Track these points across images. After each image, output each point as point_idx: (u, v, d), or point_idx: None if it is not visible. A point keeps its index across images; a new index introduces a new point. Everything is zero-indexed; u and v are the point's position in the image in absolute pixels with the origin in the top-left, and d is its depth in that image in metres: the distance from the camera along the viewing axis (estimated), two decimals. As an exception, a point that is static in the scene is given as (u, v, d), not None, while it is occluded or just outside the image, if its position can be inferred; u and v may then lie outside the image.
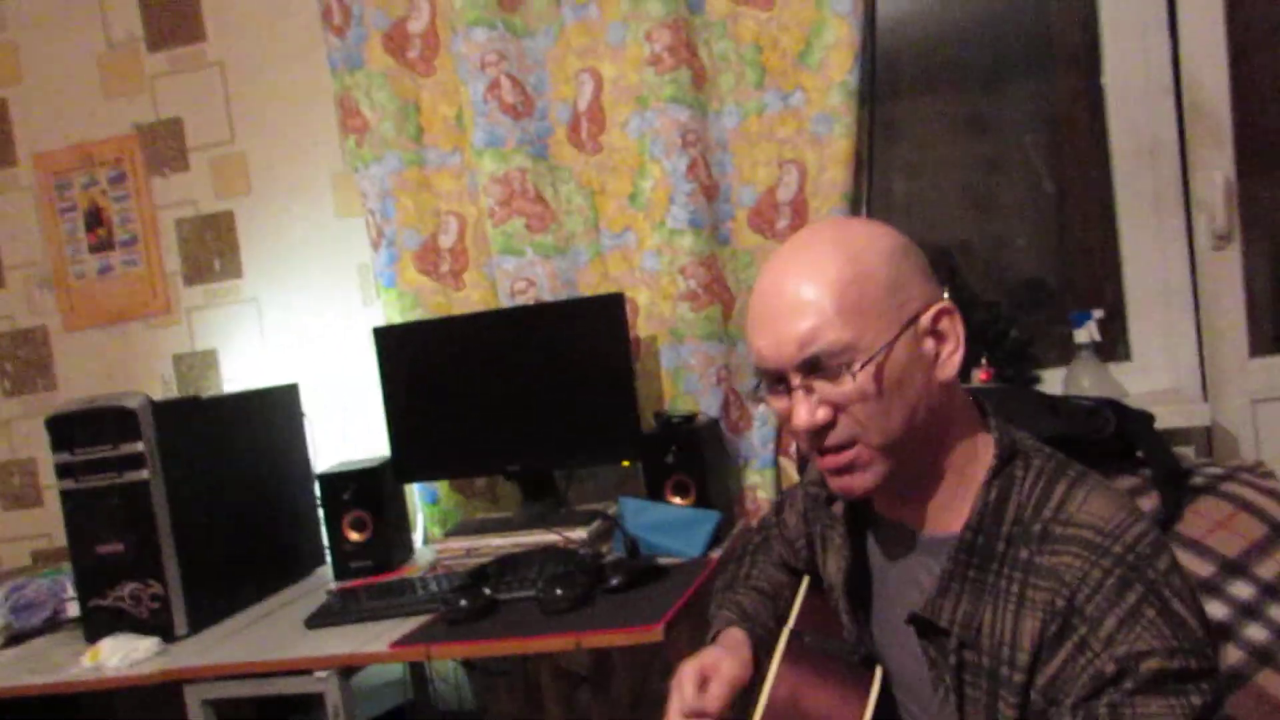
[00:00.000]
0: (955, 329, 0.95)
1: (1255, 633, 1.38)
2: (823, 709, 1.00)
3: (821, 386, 0.92)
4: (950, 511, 0.97)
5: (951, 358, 0.94)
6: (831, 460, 0.96)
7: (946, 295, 0.97)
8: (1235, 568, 1.42)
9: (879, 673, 1.03)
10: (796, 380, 0.93)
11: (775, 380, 0.97)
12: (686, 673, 1.13)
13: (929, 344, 0.94)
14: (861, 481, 0.96)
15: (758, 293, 0.98)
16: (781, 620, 1.27)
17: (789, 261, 0.96)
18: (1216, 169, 1.93)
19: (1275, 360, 1.97)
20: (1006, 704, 0.89)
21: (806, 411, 0.93)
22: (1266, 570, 1.41)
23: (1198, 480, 1.53)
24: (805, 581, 1.25)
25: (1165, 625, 0.81)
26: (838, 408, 0.93)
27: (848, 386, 0.91)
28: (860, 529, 1.10)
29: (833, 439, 0.94)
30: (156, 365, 2.59)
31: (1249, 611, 1.40)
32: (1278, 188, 2.04)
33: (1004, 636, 0.89)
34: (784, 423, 0.98)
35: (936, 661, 0.96)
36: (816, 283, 0.92)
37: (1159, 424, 1.63)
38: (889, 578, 1.06)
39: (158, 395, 1.94)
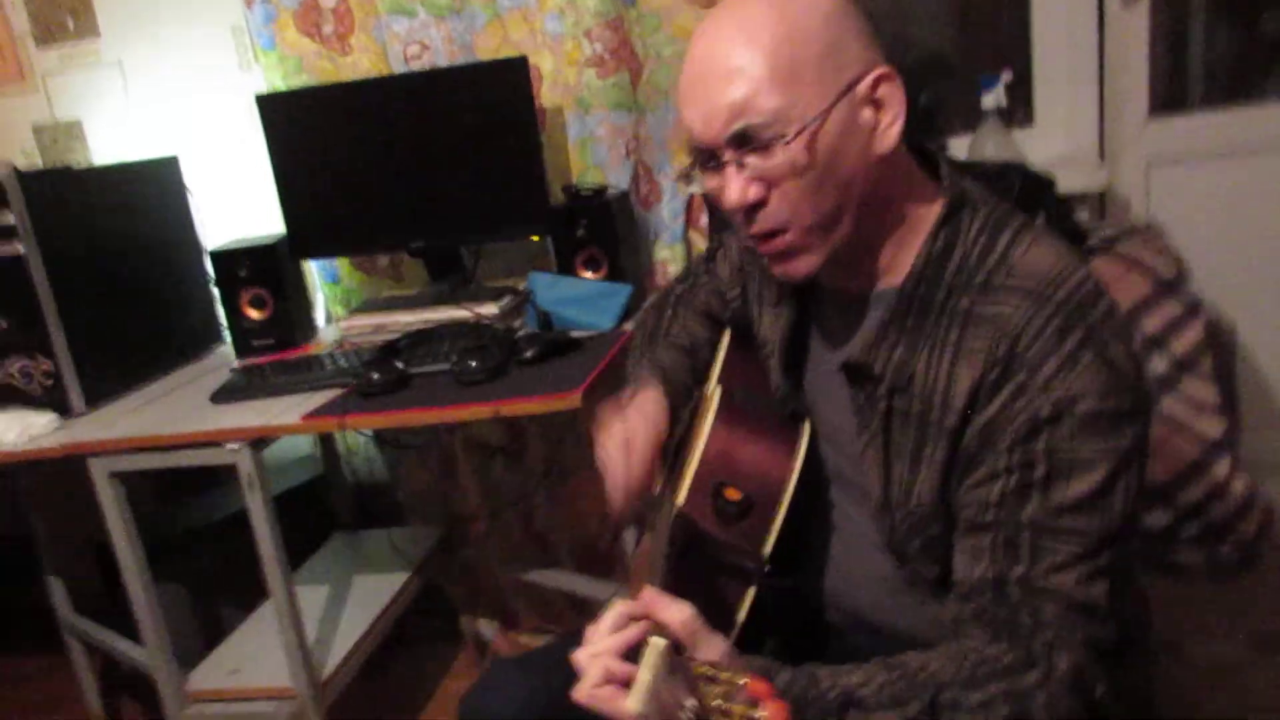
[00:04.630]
0: (895, 96, 0.89)
1: (1135, 380, 1.49)
2: (754, 463, 1.02)
3: (753, 161, 0.88)
4: (894, 265, 0.96)
5: (891, 128, 0.90)
6: (768, 246, 0.93)
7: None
8: (1122, 322, 1.51)
9: (807, 426, 1.05)
10: (728, 155, 0.89)
11: (708, 158, 0.92)
12: (613, 435, 1.12)
13: (867, 113, 0.89)
14: (802, 265, 0.94)
15: (687, 61, 0.91)
16: (700, 377, 1.29)
17: (719, 26, 0.89)
18: (1133, -77, 1.89)
19: (1171, 121, 2.00)
20: (937, 447, 0.91)
21: (738, 189, 0.89)
22: (1151, 324, 1.50)
23: (1092, 242, 1.59)
24: (728, 335, 1.26)
25: (1102, 368, 0.83)
26: (770, 183, 0.89)
27: (780, 159, 0.87)
28: (800, 287, 1.08)
29: (765, 221, 0.91)
30: (15, 137, 2.38)
31: (1131, 361, 1.49)
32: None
33: (937, 382, 0.90)
34: (715, 202, 0.94)
35: (864, 408, 0.97)
36: (748, 48, 0.86)
37: (1058, 188, 1.67)
38: (826, 333, 1.06)
39: (21, 167, 1.78)
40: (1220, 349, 1.54)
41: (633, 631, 0.81)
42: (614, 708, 0.77)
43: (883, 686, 0.83)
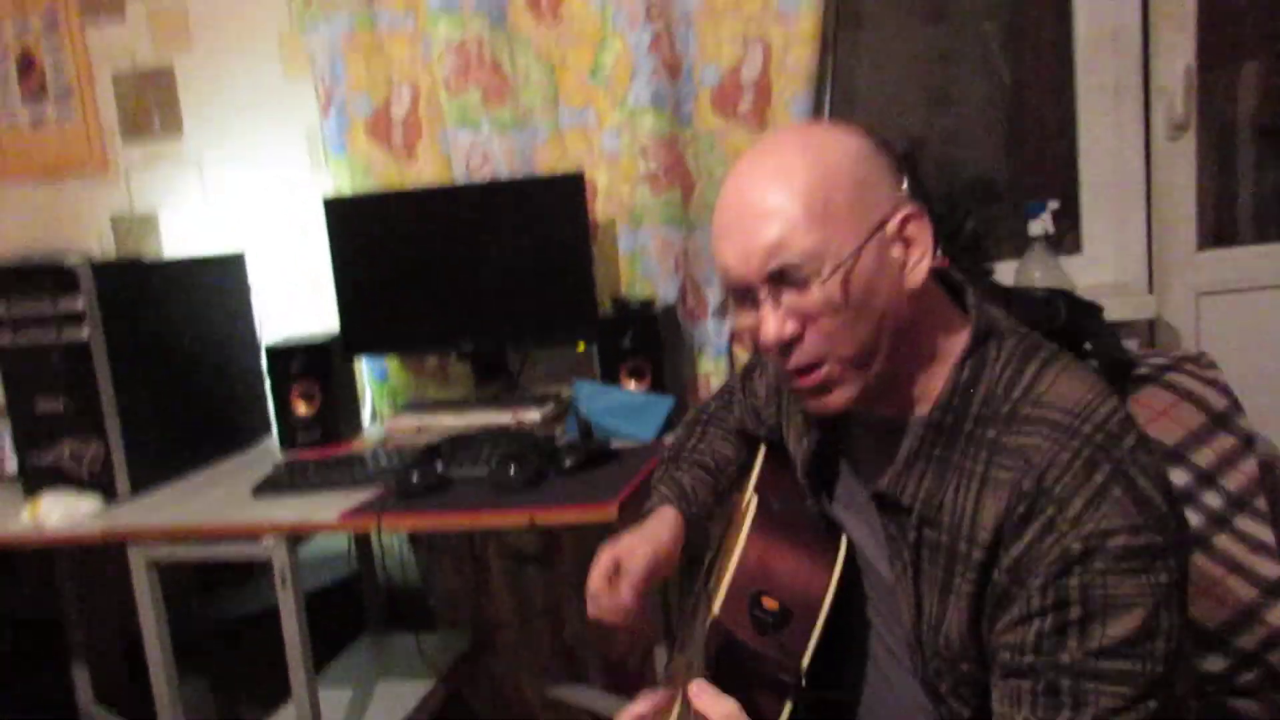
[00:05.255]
0: (923, 234, 0.92)
1: (1189, 518, 1.43)
2: (792, 573, 1.00)
3: (789, 297, 0.90)
4: (923, 395, 0.96)
5: (920, 264, 0.92)
6: (803, 381, 0.94)
7: (905, 187, 0.95)
8: (1174, 456, 1.46)
9: (845, 540, 1.04)
10: (764, 293, 0.91)
11: (742, 295, 0.94)
12: (601, 560, 1.16)
13: (897, 250, 0.91)
14: (836, 400, 0.94)
15: (722, 204, 0.94)
16: (722, 496, 1.29)
17: (754, 168, 0.92)
18: (1179, 56, 1.92)
19: (1221, 253, 1.99)
20: (964, 580, 0.89)
21: (775, 325, 0.91)
22: (1203, 458, 1.46)
23: (1142, 370, 1.56)
24: (764, 448, 1.25)
25: (1131, 503, 0.81)
26: (806, 319, 0.90)
27: (815, 296, 0.88)
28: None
29: (801, 356, 0.92)
30: (93, 225, 2.49)
31: (1185, 498, 1.44)
32: (1233, 78, 2.04)
33: (964, 514, 0.89)
34: (753, 341, 0.96)
35: (895, 538, 0.96)
36: (783, 189, 0.89)
37: (1106, 316, 1.66)
38: (855, 460, 1.06)
39: (95, 255, 1.87)
40: (1275, 485, 1.49)
41: None
42: None
43: None
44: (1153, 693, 0.80)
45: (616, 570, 1.16)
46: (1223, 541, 1.43)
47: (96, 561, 1.89)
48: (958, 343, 0.95)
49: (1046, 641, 0.82)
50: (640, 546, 1.16)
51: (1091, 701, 0.80)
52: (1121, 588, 0.80)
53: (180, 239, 2.45)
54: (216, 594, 2.37)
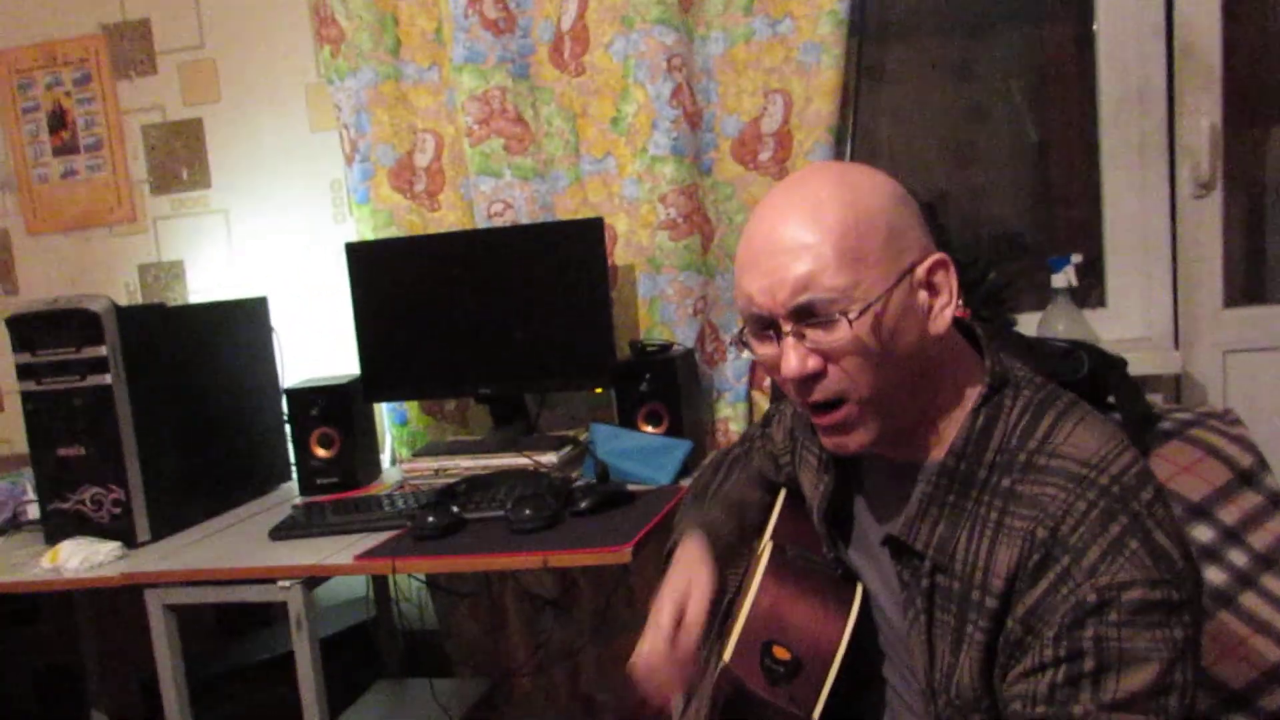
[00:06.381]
0: (949, 282, 0.92)
1: (1214, 575, 1.41)
2: (805, 622, 0.99)
3: (813, 334, 0.90)
4: (939, 441, 0.96)
5: (944, 311, 0.92)
6: (824, 419, 0.94)
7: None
8: (1198, 511, 1.44)
9: (860, 589, 1.03)
10: (788, 327, 0.90)
11: (763, 326, 0.93)
12: (665, 608, 1.09)
13: (923, 296, 0.91)
14: (855, 440, 0.94)
15: (751, 233, 0.94)
16: (747, 537, 1.27)
17: (786, 202, 0.92)
18: (1204, 115, 1.92)
19: (1247, 311, 1.98)
20: (976, 628, 0.88)
21: (797, 360, 0.90)
22: (1228, 515, 1.43)
23: (1166, 425, 1.54)
24: (782, 494, 1.24)
25: (1148, 556, 0.81)
26: (829, 358, 0.90)
27: (842, 335, 0.88)
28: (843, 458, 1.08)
29: (821, 392, 0.92)
30: (121, 274, 2.54)
31: (1210, 555, 1.42)
32: (1260, 139, 2.04)
33: (978, 562, 0.89)
34: (769, 371, 0.95)
35: (909, 585, 0.96)
36: (816, 226, 0.89)
37: (1130, 370, 1.64)
38: (870, 503, 1.06)
39: (122, 303, 1.89)
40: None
41: None
42: None
43: None
44: None
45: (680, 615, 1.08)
46: (1249, 600, 1.40)
47: (116, 606, 1.90)
48: (975, 391, 0.95)
49: (1059, 692, 0.81)
50: (696, 584, 1.09)
51: None
52: (1137, 641, 0.79)
53: (206, 287, 2.49)
54: (235, 639, 2.37)
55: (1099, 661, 0.80)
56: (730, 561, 1.23)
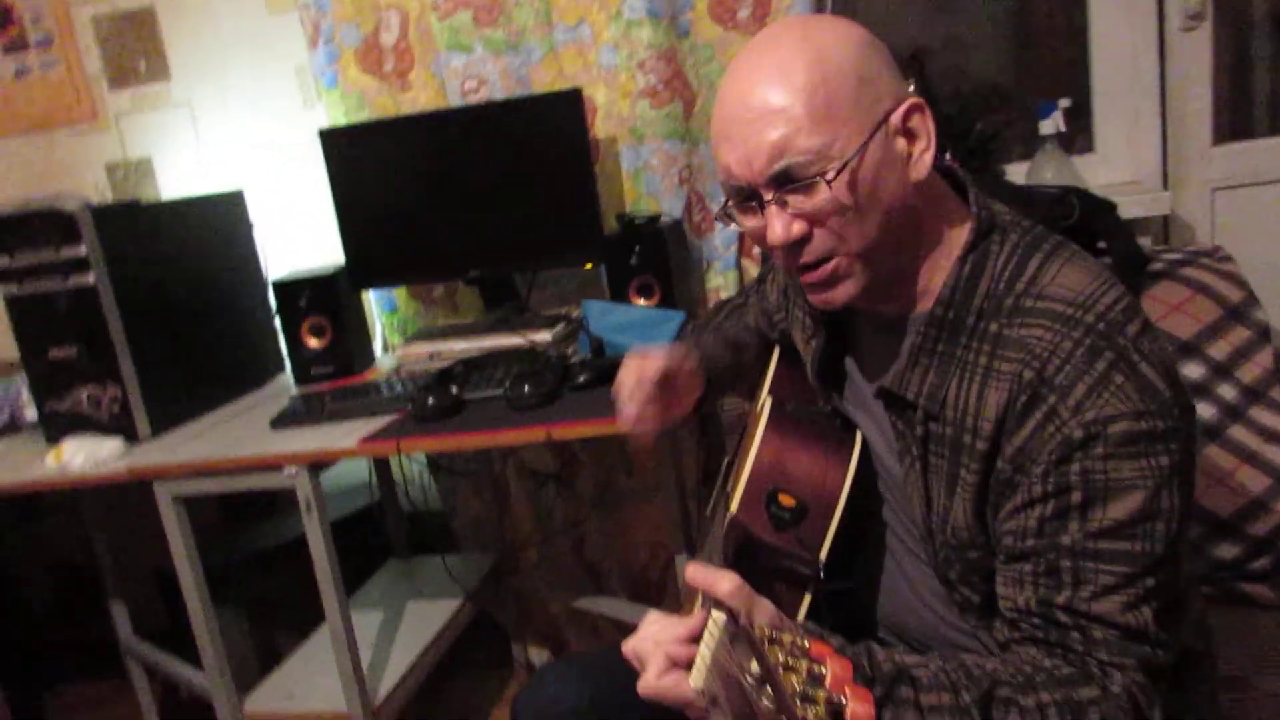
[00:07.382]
0: (926, 126, 0.91)
1: (1204, 410, 1.45)
2: (808, 469, 1.01)
3: (795, 199, 0.89)
4: (925, 291, 0.96)
5: (924, 156, 0.91)
6: (811, 275, 0.94)
7: (912, 88, 0.93)
8: (1189, 348, 1.47)
9: (859, 436, 1.05)
10: (769, 195, 0.89)
11: (745, 197, 0.92)
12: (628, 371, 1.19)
13: (900, 144, 0.90)
14: (844, 292, 0.94)
15: (721, 102, 0.92)
16: (740, 375, 1.29)
17: (753, 66, 0.90)
18: (1194, -57, 1.87)
19: (1237, 147, 1.96)
20: (969, 470, 0.90)
21: (782, 228, 0.90)
22: (1218, 351, 1.46)
23: (1157, 266, 1.56)
24: (777, 351, 1.26)
25: (1134, 390, 0.82)
26: (813, 220, 0.90)
27: (822, 197, 0.87)
28: (834, 312, 1.08)
29: (810, 254, 0.92)
30: (88, 175, 2.47)
31: (1200, 390, 1.45)
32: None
33: (968, 407, 0.90)
34: (756, 241, 0.94)
35: (904, 434, 0.97)
36: (785, 87, 0.86)
37: (1120, 213, 1.64)
38: (862, 358, 1.07)
39: (93, 201, 1.85)
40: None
41: (694, 619, 0.79)
42: (679, 694, 0.76)
43: (937, 673, 0.82)
44: (1152, 571, 0.82)
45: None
46: (1236, 432, 1.44)
47: (122, 502, 1.92)
48: (961, 238, 0.94)
49: (1048, 526, 0.84)
50: (661, 356, 1.19)
51: (1090, 580, 0.82)
52: (1122, 471, 0.81)
53: (177, 182, 2.43)
54: (241, 530, 2.41)
55: (1086, 494, 0.82)
56: (719, 389, 1.29)
